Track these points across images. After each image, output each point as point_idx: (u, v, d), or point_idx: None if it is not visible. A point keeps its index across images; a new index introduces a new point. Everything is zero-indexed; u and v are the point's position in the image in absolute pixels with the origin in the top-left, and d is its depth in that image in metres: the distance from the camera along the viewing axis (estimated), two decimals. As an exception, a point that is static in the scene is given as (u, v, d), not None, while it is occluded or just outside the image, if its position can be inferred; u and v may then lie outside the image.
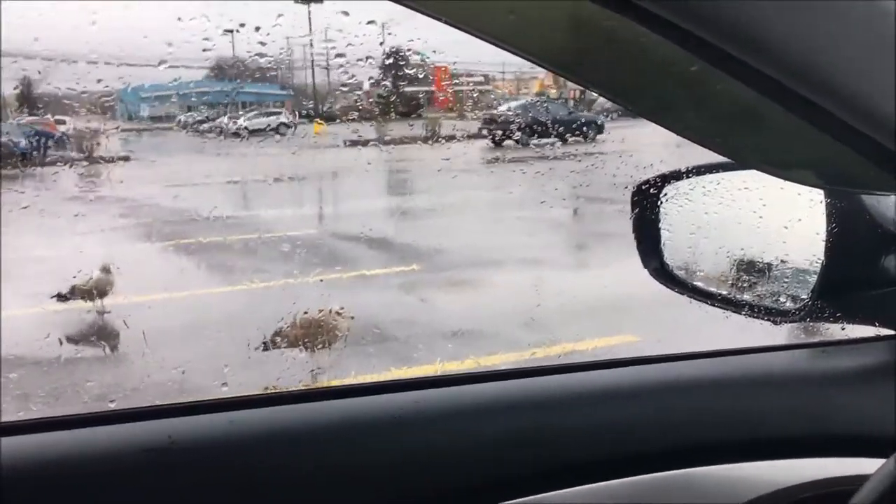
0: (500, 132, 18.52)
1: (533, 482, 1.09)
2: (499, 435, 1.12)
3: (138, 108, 21.17)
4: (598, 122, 18.12)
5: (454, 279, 7.53)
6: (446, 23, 0.78)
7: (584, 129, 18.20)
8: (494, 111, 20.29)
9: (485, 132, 18.92)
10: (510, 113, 19.18)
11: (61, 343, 5.16)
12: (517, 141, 17.84)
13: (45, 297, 6.19)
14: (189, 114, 20.75)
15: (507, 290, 7.09)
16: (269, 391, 1.19)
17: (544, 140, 17.84)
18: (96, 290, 5.55)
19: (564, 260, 8.84)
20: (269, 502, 1.04)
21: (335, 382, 4.62)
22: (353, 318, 4.89)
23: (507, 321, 6.14)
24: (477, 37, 0.78)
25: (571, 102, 21.60)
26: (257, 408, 1.12)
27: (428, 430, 1.11)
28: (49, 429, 1.06)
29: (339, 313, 4.85)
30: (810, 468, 1.11)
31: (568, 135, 18.01)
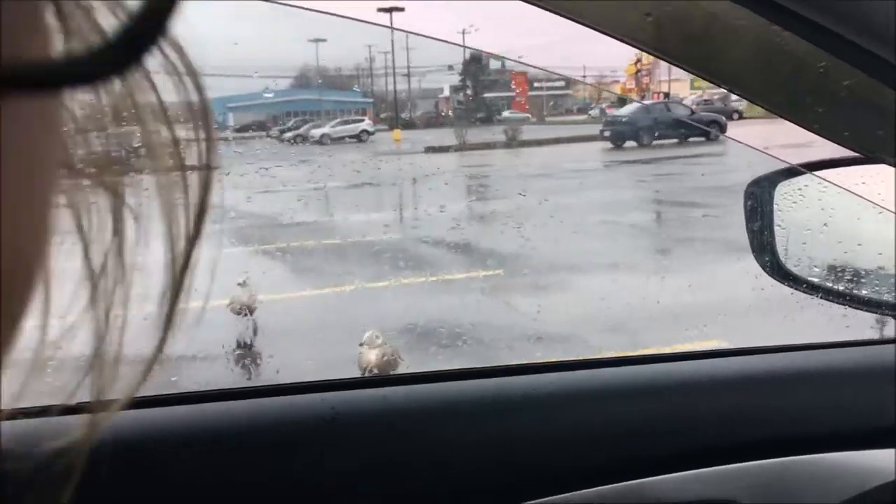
0: (620, 133, 18.52)
1: (551, 481, 1.10)
2: (519, 432, 1.12)
3: (225, 116, 21.88)
4: (721, 122, 17.74)
5: (570, 283, 7.52)
6: (584, 24, 0.82)
7: (706, 128, 17.91)
8: (615, 113, 20.22)
9: (606, 133, 18.99)
10: (630, 114, 19.04)
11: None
12: (639, 142, 17.79)
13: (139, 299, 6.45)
14: (274, 122, 21.32)
15: (596, 293, 7.06)
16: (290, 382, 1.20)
17: (666, 140, 17.69)
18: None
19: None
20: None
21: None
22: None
23: (593, 325, 6.12)
24: (614, 37, 0.82)
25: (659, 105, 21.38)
26: (272, 396, 1.14)
27: (442, 425, 1.12)
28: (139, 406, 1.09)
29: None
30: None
31: (689, 135, 17.78)
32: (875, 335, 1.39)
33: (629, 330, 5.88)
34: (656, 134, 17.97)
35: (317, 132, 20.19)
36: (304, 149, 18.84)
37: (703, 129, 18.13)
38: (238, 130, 21.19)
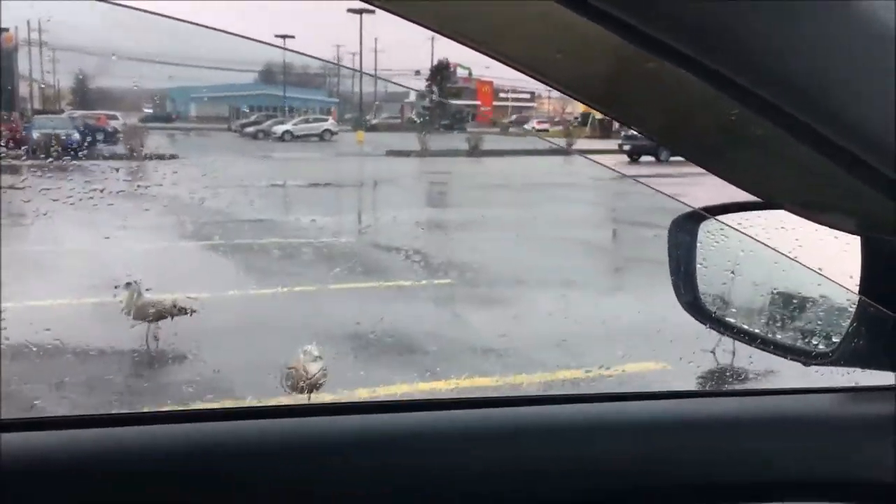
0: (637, 148, 18.92)
1: None
2: (500, 463, 1.12)
3: (187, 107, 21.61)
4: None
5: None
6: (492, 56, 0.81)
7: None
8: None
9: (625, 147, 19.54)
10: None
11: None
12: (656, 158, 18.20)
13: (85, 290, 6.33)
14: (237, 116, 21.12)
15: (544, 309, 7.09)
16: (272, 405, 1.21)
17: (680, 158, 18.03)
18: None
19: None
20: None
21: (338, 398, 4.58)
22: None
23: (543, 341, 6.13)
24: (521, 71, 0.81)
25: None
26: (261, 419, 1.14)
27: (429, 452, 1.12)
28: (63, 427, 1.09)
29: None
30: None
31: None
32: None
33: (573, 346, 5.91)
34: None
35: (279, 129, 20.04)
36: (266, 144, 18.69)
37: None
38: (199, 122, 20.96)
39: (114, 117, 13.33)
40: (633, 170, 18.48)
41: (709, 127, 0.91)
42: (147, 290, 5.38)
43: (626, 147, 20.48)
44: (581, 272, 8.69)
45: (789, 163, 0.95)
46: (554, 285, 7.82)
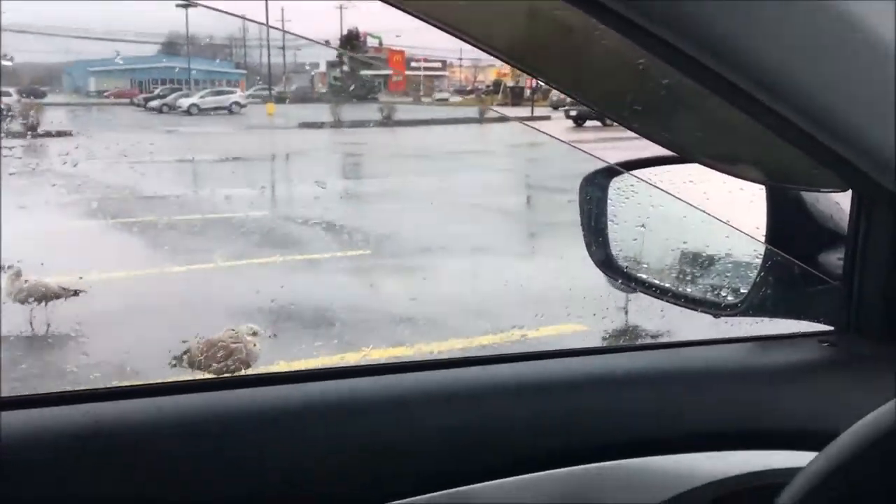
0: (583, 114, 18.66)
1: (471, 472, 1.08)
2: (441, 424, 1.10)
3: (86, 81, 20.69)
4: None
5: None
6: (397, 6, 0.77)
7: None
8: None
9: (572, 113, 19.30)
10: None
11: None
12: (602, 122, 18.11)
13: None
14: (139, 89, 20.37)
15: (460, 276, 7.11)
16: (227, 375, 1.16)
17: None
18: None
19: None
20: (219, 488, 1.02)
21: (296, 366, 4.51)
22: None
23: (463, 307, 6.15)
24: (429, 23, 0.77)
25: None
26: (213, 391, 1.10)
27: (385, 415, 1.10)
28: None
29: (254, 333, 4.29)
30: (745, 461, 1.12)
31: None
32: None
33: (493, 313, 5.96)
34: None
35: (185, 102, 19.43)
36: (171, 118, 18.09)
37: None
38: (99, 95, 20.12)
39: (7, 94, 12.66)
40: (577, 135, 18.39)
41: (619, 81, 0.89)
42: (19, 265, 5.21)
43: (573, 113, 20.21)
44: (497, 238, 8.74)
45: (698, 114, 0.94)
46: (470, 252, 7.85)
